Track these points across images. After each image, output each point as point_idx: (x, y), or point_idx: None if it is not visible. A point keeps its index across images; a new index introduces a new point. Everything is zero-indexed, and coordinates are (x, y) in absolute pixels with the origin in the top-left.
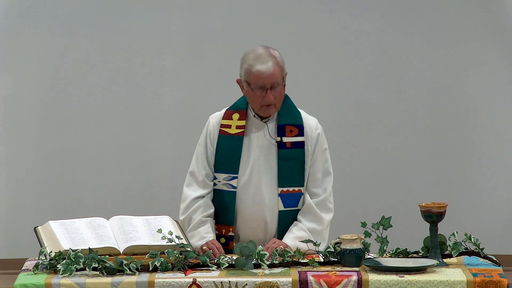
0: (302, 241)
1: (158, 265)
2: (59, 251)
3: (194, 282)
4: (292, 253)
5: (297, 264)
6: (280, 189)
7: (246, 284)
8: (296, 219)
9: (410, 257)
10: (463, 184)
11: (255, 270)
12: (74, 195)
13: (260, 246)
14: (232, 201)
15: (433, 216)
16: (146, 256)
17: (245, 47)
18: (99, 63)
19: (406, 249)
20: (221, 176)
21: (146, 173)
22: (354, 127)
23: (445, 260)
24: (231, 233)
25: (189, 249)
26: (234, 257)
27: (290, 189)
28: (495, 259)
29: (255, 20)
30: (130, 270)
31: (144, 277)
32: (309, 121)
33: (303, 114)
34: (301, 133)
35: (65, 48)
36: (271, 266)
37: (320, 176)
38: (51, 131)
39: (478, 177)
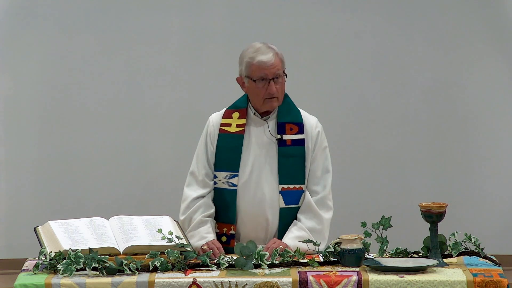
0: (302, 241)
1: (158, 265)
2: (59, 251)
3: (194, 282)
4: (292, 253)
5: (297, 264)
6: (281, 186)
7: (246, 284)
8: (296, 218)
9: (410, 257)
10: (463, 184)
11: (255, 270)
12: (74, 195)
13: (260, 246)
14: (233, 199)
15: (433, 216)
16: (146, 256)
17: (245, 47)
18: (99, 63)
19: (406, 249)
20: (222, 175)
21: (146, 173)
22: (354, 126)
23: (445, 260)
24: (232, 232)
25: (189, 249)
26: (234, 257)
27: (291, 186)
28: (495, 259)
29: (255, 20)
30: (130, 270)
31: (144, 277)
32: (309, 119)
33: (303, 113)
34: (301, 131)
35: (65, 48)
36: (271, 266)
37: (320, 174)
38: (51, 131)
39: (478, 177)
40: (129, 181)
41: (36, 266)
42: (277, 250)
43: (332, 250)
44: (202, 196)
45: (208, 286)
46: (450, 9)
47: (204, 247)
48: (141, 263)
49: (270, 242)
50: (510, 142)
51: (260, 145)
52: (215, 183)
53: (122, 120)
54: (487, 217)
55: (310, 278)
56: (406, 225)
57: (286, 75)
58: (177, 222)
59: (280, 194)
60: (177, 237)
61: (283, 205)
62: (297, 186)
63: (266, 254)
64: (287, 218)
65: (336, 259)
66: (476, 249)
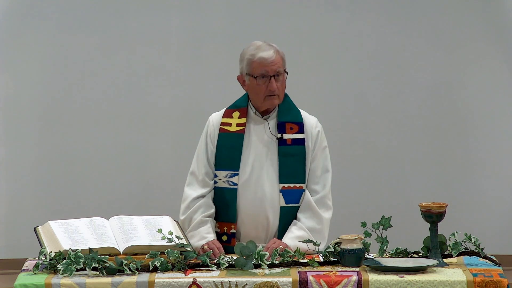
0: (302, 241)
1: (158, 265)
2: (59, 251)
3: (194, 282)
4: (292, 253)
5: (297, 264)
6: (281, 185)
7: (246, 284)
8: (296, 217)
9: (410, 257)
10: (463, 184)
11: (255, 270)
12: (74, 195)
13: (260, 246)
14: (233, 198)
15: (433, 216)
16: (146, 256)
17: (245, 46)
18: (99, 63)
19: (406, 249)
20: (222, 174)
21: (146, 173)
22: (354, 126)
23: (445, 260)
24: (233, 230)
25: (189, 249)
26: (234, 257)
27: (291, 185)
28: (495, 259)
29: (255, 20)
30: (130, 270)
31: (144, 277)
32: (309, 119)
33: (303, 113)
34: (301, 130)
35: (65, 48)
36: (271, 266)
37: (319, 173)
38: (51, 131)
39: (478, 177)
40: (129, 181)
41: (36, 266)
42: (277, 250)
43: (332, 250)
44: (203, 196)
45: (208, 286)
46: (450, 9)
47: (205, 247)
48: (141, 263)
49: (270, 242)
50: (510, 142)
51: (260, 144)
52: (215, 182)
53: (122, 120)
54: (487, 217)
55: (310, 278)
56: (406, 225)
57: (287, 73)
58: (177, 222)
59: (281, 193)
60: (177, 237)
61: (283, 204)
62: (298, 185)
63: (266, 254)
64: (287, 217)
65: (336, 259)
66: (476, 249)
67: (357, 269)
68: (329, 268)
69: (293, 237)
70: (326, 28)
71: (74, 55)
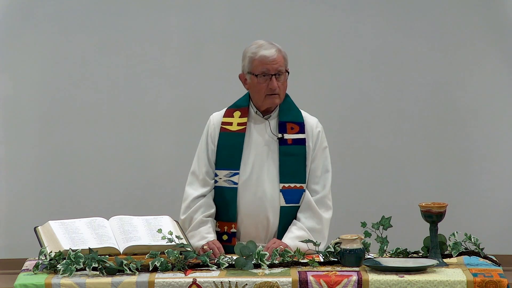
0: (302, 241)
1: (158, 265)
2: (59, 251)
3: (194, 282)
4: (292, 253)
5: (297, 264)
6: (282, 185)
7: (246, 284)
8: (296, 217)
9: (410, 257)
10: (463, 184)
11: (255, 270)
12: (74, 195)
13: (260, 246)
14: (233, 197)
15: (433, 216)
16: (146, 256)
17: (245, 47)
18: (99, 63)
19: (406, 249)
20: (223, 173)
21: (146, 173)
22: (354, 127)
23: (445, 260)
24: (233, 230)
25: (189, 249)
26: (234, 257)
27: (292, 185)
28: (495, 259)
29: (255, 20)
30: (130, 270)
31: (144, 277)
32: (310, 119)
33: (304, 113)
34: (302, 130)
35: (65, 48)
36: (271, 266)
37: (320, 173)
38: (51, 131)
39: (478, 177)
40: (129, 181)
41: (36, 266)
42: (277, 250)
43: (332, 250)
44: (203, 195)
45: (208, 286)
46: (450, 9)
47: (205, 247)
48: (141, 263)
49: (270, 242)
50: (510, 142)
51: (261, 143)
52: (215, 181)
53: (122, 120)
54: (487, 217)
55: (310, 278)
56: (406, 225)
57: (289, 73)
58: (177, 222)
59: (281, 193)
60: (177, 237)
61: (283, 204)
62: (298, 185)
63: (266, 254)
64: (287, 216)
65: (336, 259)
66: (476, 249)
67: (357, 269)
68: (329, 268)
69: (293, 237)
70: (326, 28)
71: (74, 55)
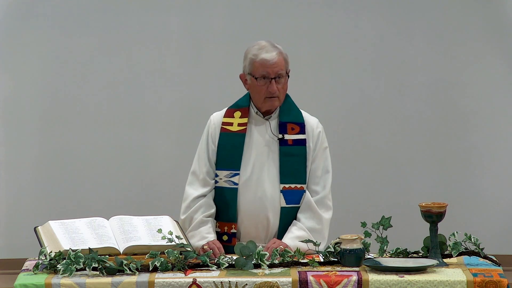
0: (302, 241)
1: (158, 265)
2: (59, 251)
3: (194, 282)
4: (292, 253)
5: (297, 264)
6: (282, 185)
7: (246, 284)
8: (296, 217)
9: (410, 257)
10: (463, 184)
11: (255, 270)
12: (74, 195)
13: (260, 246)
14: (233, 198)
15: (433, 216)
16: (146, 256)
17: (245, 47)
18: (99, 63)
19: (406, 249)
20: (223, 174)
21: (146, 173)
22: (354, 127)
23: (445, 260)
24: (233, 230)
25: (189, 249)
26: (234, 257)
27: (292, 185)
28: (495, 259)
29: (255, 20)
30: (130, 270)
31: (144, 277)
32: (310, 120)
33: (304, 113)
34: (302, 131)
35: (65, 48)
36: (271, 266)
37: (320, 174)
38: (51, 131)
39: (478, 177)
40: (129, 181)
41: (36, 266)
42: (277, 250)
43: (332, 250)
44: (203, 195)
45: (208, 286)
46: (450, 9)
47: (205, 246)
48: (141, 263)
49: (270, 242)
50: (510, 142)
51: (261, 144)
52: (216, 182)
53: (122, 120)
54: (487, 217)
55: (310, 278)
56: (406, 225)
57: (289, 76)
58: (177, 222)
59: (281, 193)
60: (177, 237)
61: (284, 204)
62: (298, 185)
63: (266, 254)
64: (288, 217)
65: (336, 259)
66: (476, 249)
67: (357, 269)
68: (329, 268)
69: (293, 237)
70: (326, 28)
71: (74, 55)
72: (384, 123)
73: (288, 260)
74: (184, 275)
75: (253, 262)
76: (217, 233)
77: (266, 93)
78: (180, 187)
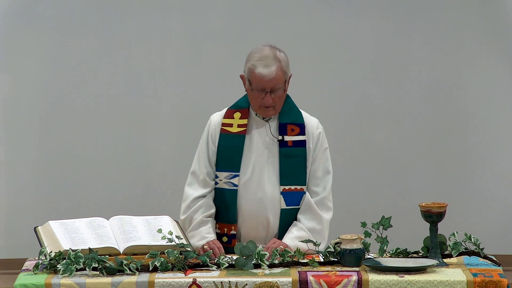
0: (302, 241)
1: (158, 265)
2: (59, 251)
3: (194, 282)
4: (292, 253)
5: (297, 264)
6: (282, 187)
7: (246, 284)
8: (296, 218)
9: (410, 257)
10: (463, 184)
11: (255, 270)
12: (74, 195)
13: (260, 246)
14: (233, 199)
15: (433, 216)
16: (146, 256)
17: (245, 47)
18: (99, 63)
19: (406, 249)
20: (223, 175)
21: (146, 173)
22: (354, 127)
23: (445, 260)
24: (233, 232)
25: (189, 249)
26: (234, 257)
27: (292, 187)
28: (495, 259)
29: (255, 20)
30: (130, 270)
31: (144, 277)
32: (310, 120)
33: (304, 114)
34: (302, 132)
35: (65, 48)
36: (271, 266)
37: (320, 175)
38: (51, 131)
39: (478, 177)
40: (129, 181)
41: (36, 266)
42: (277, 250)
43: (332, 250)
44: (203, 196)
45: (208, 286)
46: (450, 9)
47: (205, 246)
48: (141, 263)
49: (270, 242)
50: (510, 142)
51: (261, 145)
52: (216, 183)
53: (122, 120)
54: (487, 217)
55: (310, 278)
56: (406, 225)
57: (287, 87)
58: (177, 222)
59: (281, 195)
60: (177, 237)
61: (284, 206)
62: (298, 187)
63: (266, 254)
64: (288, 219)
65: (336, 259)
66: (476, 249)
67: (357, 269)
68: (329, 268)
69: (293, 237)
70: (326, 28)
71: (74, 56)
72: (384, 123)
73: (288, 260)
74: (184, 275)
75: (253, 262)
76: (217, 234)
77: (261, 103)
78: (180, 187)
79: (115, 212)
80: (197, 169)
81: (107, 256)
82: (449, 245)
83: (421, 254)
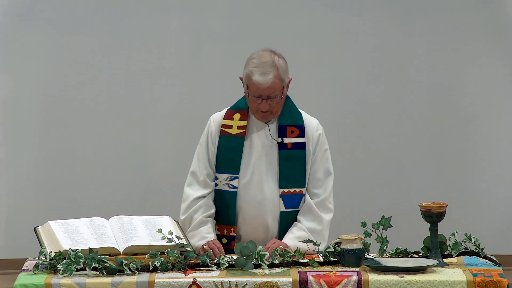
0: (302, 241)
1: (158, 265)
2: (59, 251)
3: (194, 282)
4: (292, 253)
5: (297, 264)
6: (282, 190)
7: (246, 284)
8: (296, 220)
9: (410, 257)
10: (463, 184)
11: (255, 270)
12: (74, 195)
13: (260, 246)
14: (233, 201)
15: (433, 216)
16: (146, 256)
17: (245, 48)
18: (99, 63)
19: (406, 249)
20: (222, 177)
21: (146, 173)
22: (354, 127)
23: (445, 260)
24: (232, 233)
25: (189, 249)
26: (234, 257)
27: (292, 190)
28: (495, 259)
29: (255, 21)
30: (130, 270)
31: (144, 277)
32: (310, 121)
33: (304, 114)
34: (302, 134)
35: (65, 48)
36: (271, 266)
37: (321, 176)
38: (51, 131)
39: (478, 177)
40: (129, 181)
41: (36, 266)
42: (277, 250)
43: (332, 250)
44: (203, 196)
45: (208, 286)
46: (450, 9)
47: (205, 246)
48: (141, 263)
49: (270, 242)
50: (510, 142)
51: (261, 147)
52: (216, 184)
53: (122, 120)
54: (487, 217)
55: (310, 278)
56: (406, 225)
57: (287, 88)
58: (177, 222)
59: (281, 198)
60: (177, 237)
61: (283, 209)
62: (298, 189)
63: (266, 254)
64: (287, 221)
65: (336, 259)
66: (476, 249)
67: (357, 269)
68: (329, 268)
69: (293, 237)
70: (326, 28)
71: (74, 56)
72: (384, 124)
73: (288, 260)
74: (184, 275)
75: (253, 262)
76: (216, 236)
77: (258, 108)
78: (180, 187)
79: (115, 212)
80: (197, 170)
81: (107, 256)
82: (449, 245)
83: (421, 254)
